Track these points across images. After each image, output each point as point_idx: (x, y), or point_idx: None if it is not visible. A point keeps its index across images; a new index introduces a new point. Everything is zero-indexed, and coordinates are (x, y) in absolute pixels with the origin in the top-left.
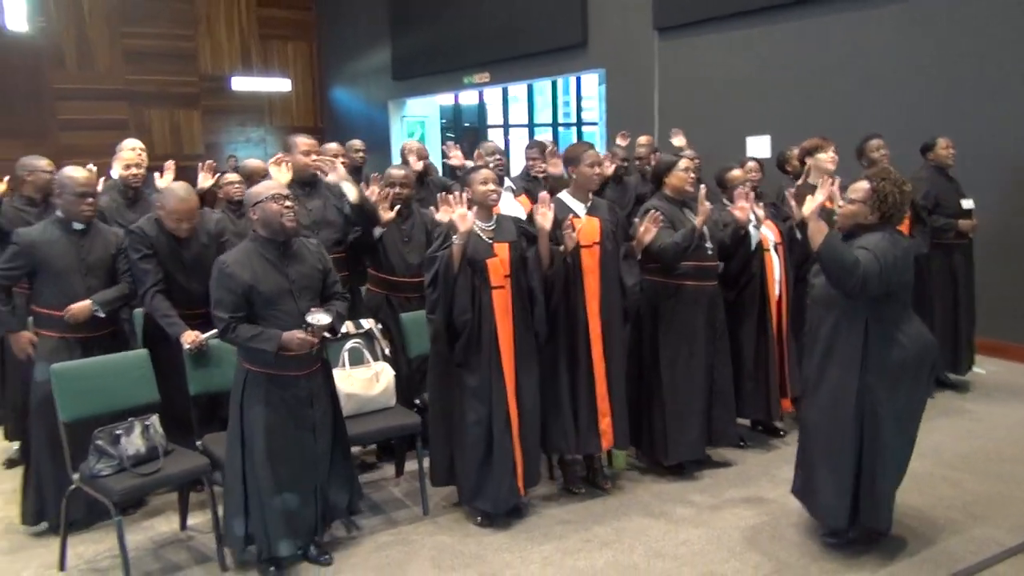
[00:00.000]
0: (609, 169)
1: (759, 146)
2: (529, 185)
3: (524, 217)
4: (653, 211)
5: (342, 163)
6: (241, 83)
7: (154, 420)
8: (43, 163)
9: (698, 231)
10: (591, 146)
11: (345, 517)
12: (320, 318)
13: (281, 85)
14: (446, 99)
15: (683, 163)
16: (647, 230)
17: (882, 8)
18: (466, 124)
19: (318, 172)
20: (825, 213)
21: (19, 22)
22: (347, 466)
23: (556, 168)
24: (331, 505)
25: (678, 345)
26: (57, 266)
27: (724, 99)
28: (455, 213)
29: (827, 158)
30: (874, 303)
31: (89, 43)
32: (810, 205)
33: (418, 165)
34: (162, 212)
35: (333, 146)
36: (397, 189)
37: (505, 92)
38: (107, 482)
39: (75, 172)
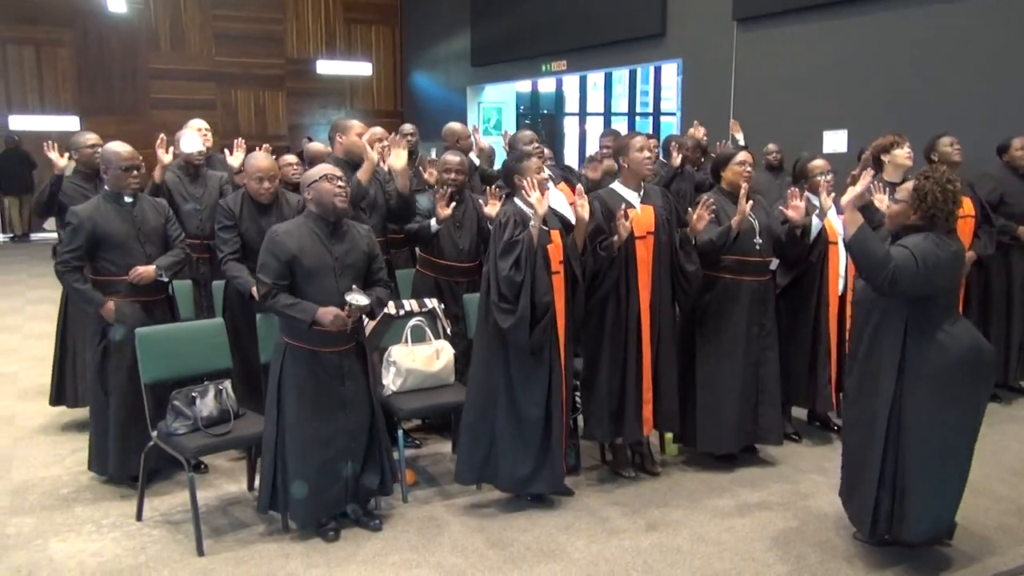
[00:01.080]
0: (676, 160)
1: (836, 140)
2: (566, 173)
3: (566, 203)
4: (707, 198)
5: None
6: (325, 66)
7: (227, 385)
8: (87, 138)
9: (734, 231)
10: (637, 132)
11: (376, 495)
12: (358, 299)
13: (363, 69)
14: (524, 86)
15: (740, 156)
16: (700, 217)
17: (963, 2)
18: (543, 111)
19: (374, 155)
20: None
21: (118, 3)
22: (380, 447)
23: (595, 173)
24: (363, 485)
25: (714, 338)
26: (116, 237)
27: (801, 92)
28: (532, 197)
29: (903, 154)
30: (914, 305)
31: (182, 25)
32: (848, 196)
33: (472, 154)
34: (246, 180)
35: (378, 130)
36: (453, 176)
37: (583, 80)
38: (182, 440)
39: (119, 147)
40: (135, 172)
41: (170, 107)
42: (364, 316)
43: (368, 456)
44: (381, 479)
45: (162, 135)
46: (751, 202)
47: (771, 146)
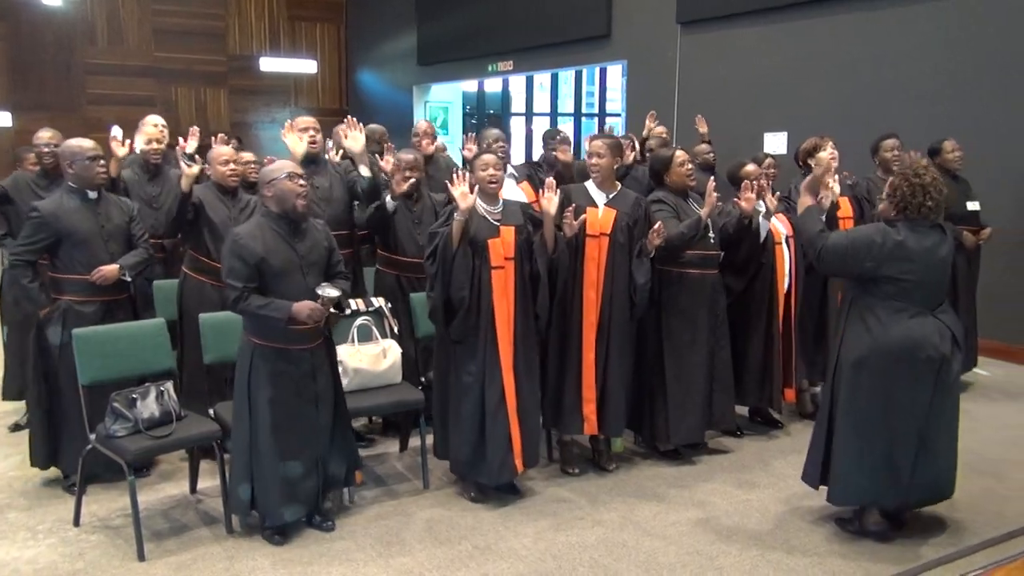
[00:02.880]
0: (628, 158)
1: (776, 142)
2: (532, 172)
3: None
4: (660, 224)
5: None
6: (269, 63)
7: (168, 386)
8: (43, 136)
9: (704, 221)
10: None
11: (343, 488)
12: (330, 292)
13: (308, 67)
14: (470, 86)
15: (678, 158)
16: (657, 233)
17: (903, 8)
18: (489, 111)
19: (322, 146)
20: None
21: None
22: (347, 438)
23: (565, 155)
24: (331, 476)
25: (681, 332)
26: (80, 234)
27: (744, 94)
28: (456, 191)
29: (827, 155)
30: (859, 290)
31: (120, 19)
32: (804, 181)
33: (431, 148)
34: (210, 167)
35: (308, 119)
36: (408, 173)
37: (529, 81)
38: (122, 443)
39: (82, 141)
40: (101, 162)
41: (107, 103)
42: (334, 309)
43: (334, 447)
44: (348, 469)
45: (116, 127)
46: (716, 195)
47: (703, 146)
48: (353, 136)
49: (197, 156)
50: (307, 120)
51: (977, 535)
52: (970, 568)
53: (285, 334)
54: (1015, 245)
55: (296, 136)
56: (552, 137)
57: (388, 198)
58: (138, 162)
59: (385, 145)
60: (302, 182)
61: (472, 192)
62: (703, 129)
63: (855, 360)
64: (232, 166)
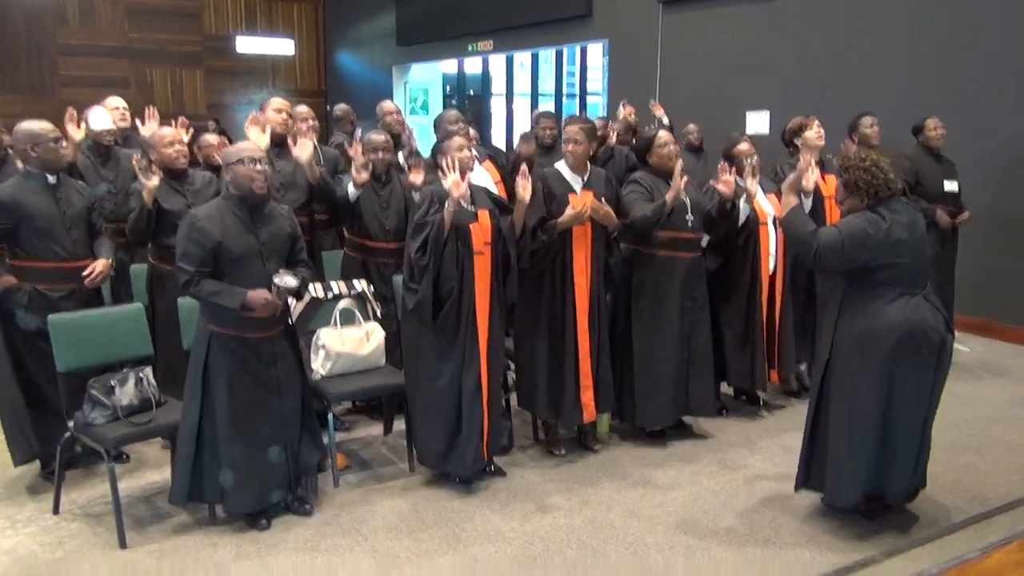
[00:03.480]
0: (612, 139)
1: (759, 121)
2: (492, 152)
3: (491, 183)
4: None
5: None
6: (245, 44)
7: (147, 372)
8: None
9: (668, 206)
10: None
11: (315, 475)
12: (287, 280)
13: (285, 47)
14: (450, 66)
15: (660, 138)
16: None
17: None
18: (470, 92)
19: (288, 137)
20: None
21: None
22: (314, 425)
23: (528, 148)
24: (303, 463)
25: (651, 313)
26: (42, 220)
27: (726, 74)
28: (448, 180)
29: (814, 135)
30: (851, 278)
31: None
32: (788, 180)
33: (398, 128)
34: (155, 152)
35: (303, 109)
36: (380, 155)
37: (510, 61)
38: (101, 430)
39: (37, 122)
40: (64, 142)
41: (80, 85)
42: (291, 297)
43: (303, 435)
44: (319, 455)
45: (71, 109)
46: (684, 179)
47: (691, 126)
48: (302, 144)
49: (154, 165)
50: (281, 102)
51: (962, 512)
52: (969, 550)
53: (242, 321)
54: (999, 223)
55: (258, 129)
56: (542, 117)
57: (350, 186)
58: (89, 144)
59: (357, 138)
60: (259, 167)
61: (464, 180)
62: (658, 113)
63: (852, 352)
64: (177, 147)
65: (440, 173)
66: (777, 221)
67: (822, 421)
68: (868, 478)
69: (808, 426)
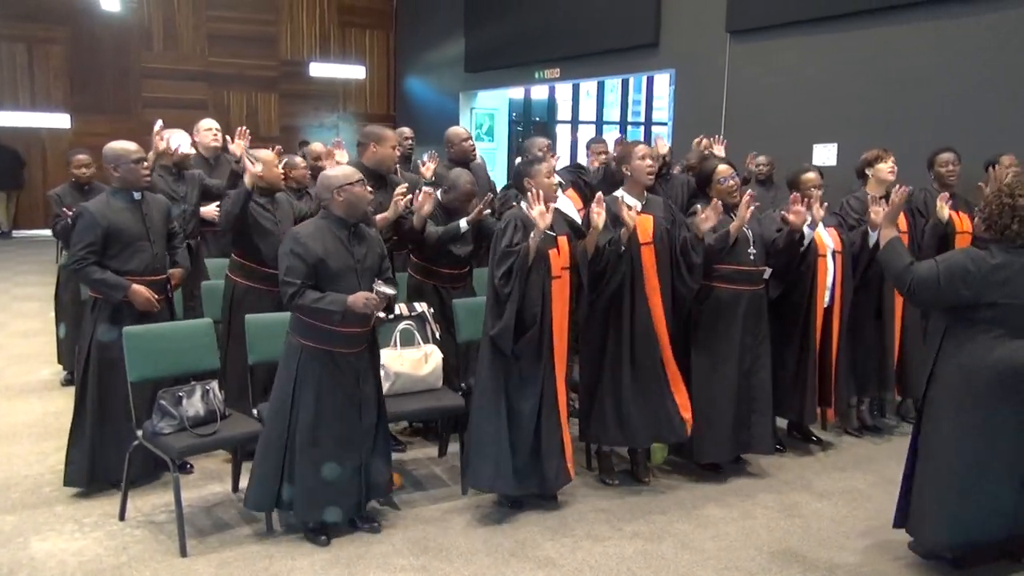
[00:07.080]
0: (676, 170)
1: (826, 154)
2: (575, 177)
3: (574, 209)
4: (715, 201)
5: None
6: (318, 69)
7: (214, 385)
8: (80, 158)
9: (732, 237)
10: (639, 142)
11: (385, 494)
12: (386, 289)
13: (356, 72)
14: (516, 92)
15: (720, 173)
16: (707, 218)
17: (956, 20)
18: (536, 118)
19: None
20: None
21: (112, 2)
22: (388, 445)
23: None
24: (373, 482)
25: (711, 348)
26: (128, 234)
27: (793, 105)
28: (535, 211)
29: (886, 168)
30: (952, 316)
31: (175, 24)
32: (887, 212)
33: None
34: (258, 174)
35: (405, 130)
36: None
37: (576, 88)
38: (168, 440)
39: (124, 143)
40: (145, 163)
41: (161, 106)
42: (381, 312)
43: (376, 452)
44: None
45: (160, 122)
46: (751, 209)
47: (761, 158)
48: (426, 198)
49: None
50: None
51: None
52: None
53: (334, 337)
54: None
55: (344, 153)
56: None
57: (463, 221)
58: (162, 163)
59: (429, 154)
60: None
61: (548, 211)
62: (719, 152)
63: (955, 392)
64: (281, 168)
65: (526, 203)
66: (839, 255)
67: (920, 459)
68: (971, 524)
69: (908, 463)
